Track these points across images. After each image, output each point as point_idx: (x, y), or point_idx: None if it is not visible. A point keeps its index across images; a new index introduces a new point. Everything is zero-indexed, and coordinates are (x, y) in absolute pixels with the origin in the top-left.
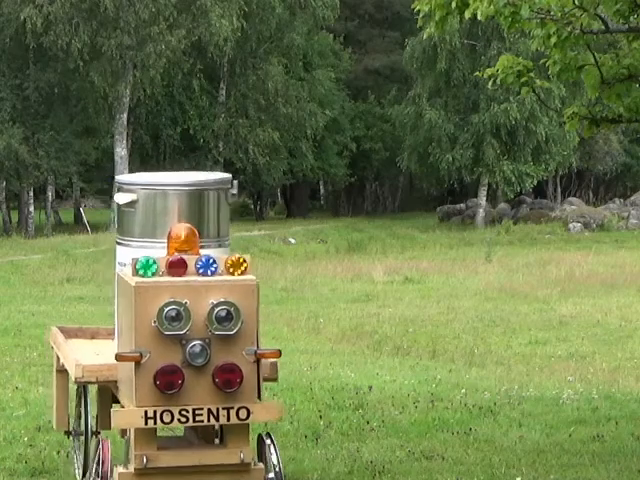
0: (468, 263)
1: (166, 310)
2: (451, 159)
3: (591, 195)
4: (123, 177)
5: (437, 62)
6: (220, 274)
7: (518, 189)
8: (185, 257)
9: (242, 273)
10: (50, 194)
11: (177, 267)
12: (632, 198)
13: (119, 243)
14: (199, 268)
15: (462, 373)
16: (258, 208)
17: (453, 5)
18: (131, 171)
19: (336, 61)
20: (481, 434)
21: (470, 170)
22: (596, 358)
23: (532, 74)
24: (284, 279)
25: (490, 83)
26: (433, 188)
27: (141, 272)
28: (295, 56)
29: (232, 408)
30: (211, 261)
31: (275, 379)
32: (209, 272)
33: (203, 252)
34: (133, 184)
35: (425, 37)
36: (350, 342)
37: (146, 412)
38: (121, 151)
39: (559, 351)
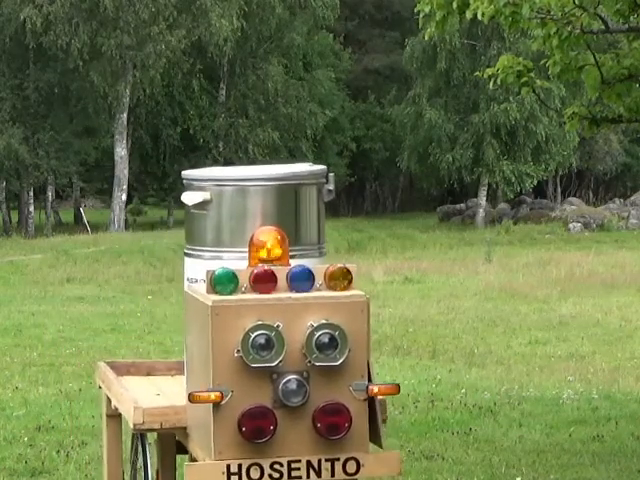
0: (468, 263)
1: (253, 336)
2: (451, 159)
3: (591, 195)
4: (192, 172)
5: (437, 62)
6: (318, 289)
7: (518, 189)
8: (274, 268)
9: (346, 287)
10: (50, 194)
11: (264, 281)
12: (632, 198)
13: (188, 254)
14: (292, 282)
15: (462, 373)
16: None
17: (454, 5)
18: (131, 171)
19: (336, 61)
20: (481, 434)
21: (470, 170)
22: (596, 358)
23: (532, 74)
24: None
25: (490, 83)
26: (433, 188)
27: (219, 288)
28: (295, 56)
29: (338, 460)
30: (307, 273)
31: (384, 420)
32: (305, 287)
33: (294, 262)
34: (205, 180)
35: (425, 37)
36: None
37: (229, 467)
38: (121, 151)
39: (559, 351)
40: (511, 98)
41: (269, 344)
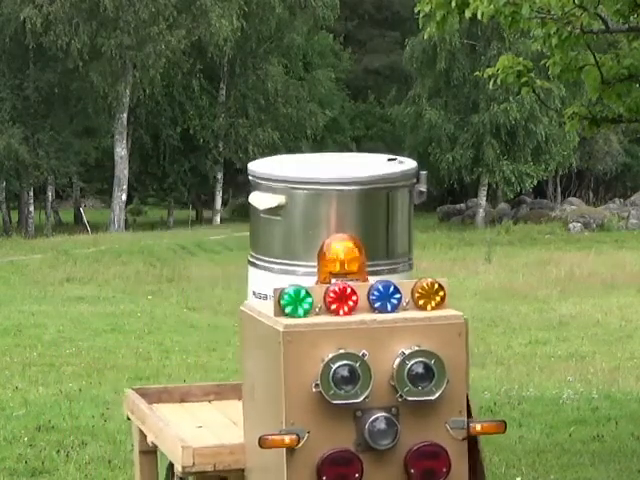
0: (468, 263)
1: (334, 367)
2: (451, 159)
3: (591, 195)
4: (262, 168)
5: (437, 62)
6: (405, 308)
7: (518, 189)
8: (353, 285)
9: (438, 305)
10: (50, 194)
11: (343, 300)
12: (632, 198)
13: (253, 263)
14: (374, 301)
15: None
16: None
17: (453, 4)
18: (131, 171)
19: (336, 61)
20: None
21: (470, 170)
22: (596, 358)
23: (532, 74)
24: None
25: (490, 83)
26: (433, 188)
27: (289, 310)
28: (295, 56)
29: None
30: (391, 289)
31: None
32: (390, 306)
33: (376, 279)
34: (280, 180)
35: (425, 37)
36: None
37: None
38: (121, 151)
39: (559, 351)
40: (511, 98)
41: (353, 376)
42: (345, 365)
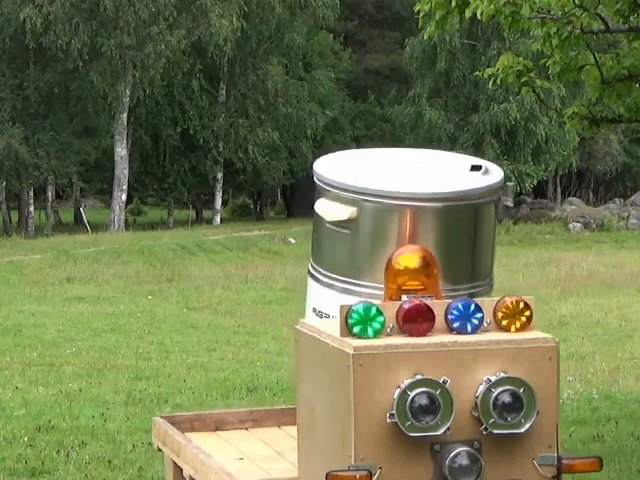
0: None
1: (412, 395)
2: None
3: (591, 195)
4: (332, 172)
5: (437, 62)
6: (486, 329)
7: (518, 189)
8: (429, 303)
9: (523, 327)
10: (50, 194)
11: (419, 320)
12: (632, 198)
13: (315, 277)
14: (453, 321)
15: None
16: (258, 208)
17: (453, 4)
18: (131, 171)
19: (336, 61)
20: None
21: None
22: (596, 358)
23: (532, 74)
24: (284, 279)
25: (490, 83)
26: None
27: (357, 329)
28: (295, 56)
29: None
30: (472, 308)
31: None
32: (470, 327)
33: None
34: (352, 190)
35: (425, 37)
36: None
37: None
38: (121, 151)
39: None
40: (511, 98)
41: (433, 406)
42: (424, 393)
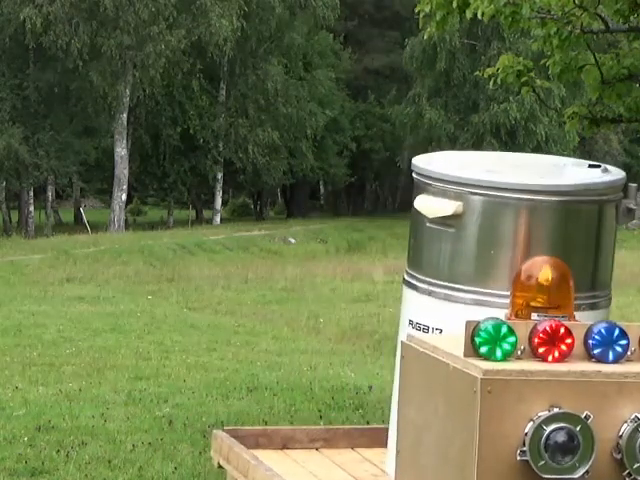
0: None
1: (548, 431)
2: None
3: None
4: (433, 165)
5: (437, 62)
6: (630, 359)
7: None
8: (568, 324)
9: None
10: (50, 194)
11: (555, 343)
12: None
13: (411, 285)
14: (594, 346)
15: None
16: (258, 208)
17: (454, 4)
18: (131, 171)
19: (336, 61)
20: None
21: None
22: None
23: (532, 74)
24: (284, 279)
25: (490, 83)
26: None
27: (485, 350)
28: (295, 56)
29: None
30: (616, 333)
31: None
32: (612, 355)
33: (581, 316)
34: (457, 182)
35: (425, 37)
36: (350, 342)
37: None
38: (121, 151)
39: None
40: (511, 98)
41: (572, 444)
42: (563, 429)
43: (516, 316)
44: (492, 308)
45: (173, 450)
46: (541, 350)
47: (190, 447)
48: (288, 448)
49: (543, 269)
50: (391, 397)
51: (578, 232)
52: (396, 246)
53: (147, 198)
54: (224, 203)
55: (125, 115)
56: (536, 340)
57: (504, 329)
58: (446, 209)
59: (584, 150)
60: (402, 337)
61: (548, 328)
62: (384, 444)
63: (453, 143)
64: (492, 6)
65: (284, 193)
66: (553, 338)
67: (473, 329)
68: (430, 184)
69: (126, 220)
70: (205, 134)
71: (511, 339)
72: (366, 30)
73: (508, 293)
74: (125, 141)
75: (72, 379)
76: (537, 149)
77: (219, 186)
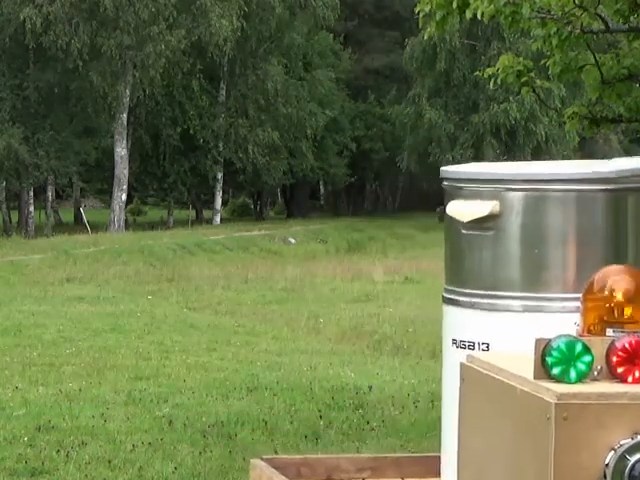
0: None
1: (632, 461)
2: (451, 159)
3: None
4: (464, 168)
5: (437, 62)
6: None
7: None
8: None
9: None
10: (50, 194)
11: (637, 361)
12: None
13: (451, 300)
14: None
15: None
16: (258, 208)
17: (454, 5)
18: (131, 171)
19: (336, 61)
20: None
21: None
22: None
23: (532, 74)
24: (284, 279)
25: (490, 83)
26: (433, 188)
27: (557, 370)
28: (295, 56)
29: None
30: None
31: None
32: None
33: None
34: (492, 179)
35: (425, 37)
36: (350, 342)
37: None
38: (121, 151)
39: None
40: (511, 98)
41: None
42: None
43: (588, 332)
44: (545, 313)
45: (173, 450)
46: (620, 370)
47: (190, 447)
48: (332, 479)
49: (618, 279)
50: (440, 421)
51: (630, 225)
52: (396, 246)
53: (147, 198)
54: (224, 203)
55: (125, 115)
56: (614, 359)
57: (579, 347)
58: (481, 210)
59: (584, 150)
60: (446, 361)
61: (627, 345)
62: (437, 474)
63: (453, 143)
64: (492, 6)
65: (284, 193)
66: (633, 356)
67: (544, 348)
68: (461, 187)
69: (126, 220)
70: (205, 134)
71: (587, 358)
72: (366, 30)
73: (561, 296)
74: (125, 141)
75: (72, 379)
76: (537, 149)
77: (219, 186)
